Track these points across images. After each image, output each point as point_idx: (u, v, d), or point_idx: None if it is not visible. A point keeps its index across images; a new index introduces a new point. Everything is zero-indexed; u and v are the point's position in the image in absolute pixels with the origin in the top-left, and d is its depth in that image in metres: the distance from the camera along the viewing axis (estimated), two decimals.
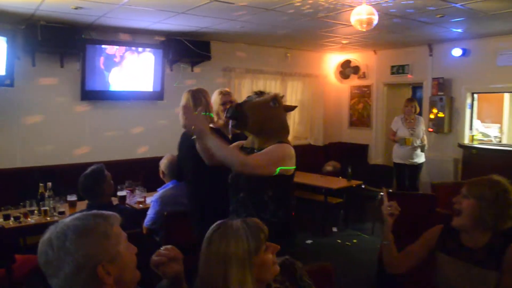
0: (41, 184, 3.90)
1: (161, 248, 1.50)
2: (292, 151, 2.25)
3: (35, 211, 3.74)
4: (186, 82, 5.76)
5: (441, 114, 6.04)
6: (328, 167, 6.81)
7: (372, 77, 7.01)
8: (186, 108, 2.18)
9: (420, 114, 6.62)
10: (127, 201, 4.16)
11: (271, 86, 6.58)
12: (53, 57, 4.75)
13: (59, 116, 4.85)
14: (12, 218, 3.61)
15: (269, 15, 4.31)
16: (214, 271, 1.35)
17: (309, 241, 5.16)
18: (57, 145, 4.82)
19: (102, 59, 4.95)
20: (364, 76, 7.05)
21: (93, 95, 5.01)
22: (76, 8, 3.99)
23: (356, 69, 7.02)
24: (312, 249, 4.94)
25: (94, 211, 1.32)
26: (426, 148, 5.65)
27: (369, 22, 3.56)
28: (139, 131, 5.43)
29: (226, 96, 3.48)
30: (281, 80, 6.74)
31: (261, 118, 2.23)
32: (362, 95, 7.15)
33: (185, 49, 5.44)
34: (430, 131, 6.21)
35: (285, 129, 2.34)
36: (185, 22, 4.70)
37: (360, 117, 7.22)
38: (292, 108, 2.49)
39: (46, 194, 3.84)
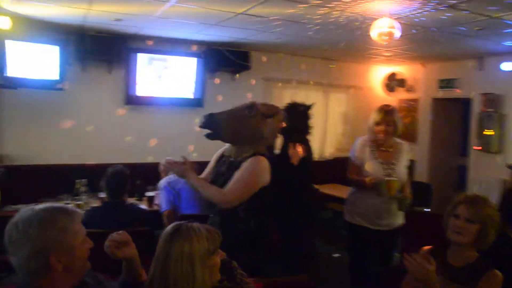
0: (77, 181, 4.27)
1: (114, 233, 1.67)
2: (266, 163, 2.33)
3: (71, 205, 4.09)
4: (226, 91, 5.96)
5: (489, 132, 5.70)
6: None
7: (420, 91, 6.77)
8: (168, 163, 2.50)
9: (467, 131, 6.35)
10: (156, 201, 4.40)
11: (313, 97, 6.56)
12: (102, 64, 5.15)
13: (104, 119, 5.24)
14: None
15: (298, 27, 4.38)
16: (180, 269, 1.45)
17: (336, 255, 5.11)
18: (101, 145, 5.19)
19: (145, 66, 5.28)
20: (411, 90, 6.84)
21: (136, 100, 5.36)
22: (116, 20, 4.33)
23: (401, 82, 6.83)
24: (338, 263, 4.89)
25: (62, 205, 1.54)
26: (408, 202, 3.14)
27: (390, 35, 3.51)
28: (178, 136, 5.68)
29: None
30: (324, 91, 6.73)
31: (235, 127, 2.32)
32: (409, 109, 6.93)
33: (225, 59, 5.65)
34: (477, 149, 5.89)
35: (261, 138, 2.40)
36: (220, 33, 4.90)
37: (406, 131, 6.97)
38: (271, 114, 2.47)
39: (81, 190, 4.20)
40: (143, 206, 4.35)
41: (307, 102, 6.43)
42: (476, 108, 5.99)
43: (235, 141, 2.42)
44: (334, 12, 3.75)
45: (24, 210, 1.45)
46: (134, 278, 1.70)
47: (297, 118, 4.26)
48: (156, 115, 5.57)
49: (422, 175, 6.70)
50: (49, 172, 4.77)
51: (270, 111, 2.46)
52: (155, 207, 4.31)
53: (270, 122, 2.44)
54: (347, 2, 3.42)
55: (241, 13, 3.92)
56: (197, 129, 5.61)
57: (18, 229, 1.37)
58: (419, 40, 4.88)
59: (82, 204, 4.04)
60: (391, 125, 3.18)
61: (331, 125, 6.92)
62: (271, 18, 4.06)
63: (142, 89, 5.35)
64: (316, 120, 6.53)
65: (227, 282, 1.69)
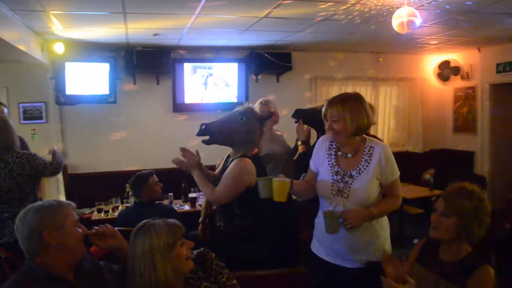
0: (127, 184, 4.65)
1: (99, 226, 1.88)
2: (250, 165, 2.46)
3: (120, 207, 4.49)
4: (271, 92, 6.09)
5: None
6: (427, 176, 6.40)
7: (477, 78, 6.37)
8: (184, 150, 2.69)
9: None
10: (199, 202, 4.65)
11: (361, 92, 6.44)
12: (150, 76, 5.55)
13: (154, 127, 5.64)
14: (103, 212, 4.44)
15: (325, 24, 4.40)
16: (143, 263, 1.61)
17: None
18: (152, 152, 5.57)
19: (189, 75, 5.59)
20: (468, 77, 6.45)
21: (183, 108, 5.69)
22: (155, 35, 4.66)
23: (456, 70, 6.46)
24: None
25: (56, 199, 1.83)
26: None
27: (410, 24, 3.43)
28: None
29: (264, 106, 3.75)
30: (373, 85, 6.60)
31: (227, 132, 2.48)
32: (466, 98, 6.54)
33: (267, 62, 5.79)
34: None
35: (252, 141, 2.53)
36: (257, 37, 5.05)
37: (465, 121, 6.60)
38: (266, 116, 2.67)
39: (130, 193, 4.58)
40: (187, 206, 4.65)
41: None
42: None
43: (231, 144, 2.59)
44: (355, 7, 3.75)
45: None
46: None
47: None
48: (203, 121, 5.83)
49: (483, 167, 6.31)
50: (104, 179, 5.25)
51: (264, 114, 2.63)
52: (198, 208, 4.57)
53: (265, 124, 2.65)
54: None
55: (264, 17, 4.05)
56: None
57: (20, 218, 1.68)
58: (465, 24, 4.62)
59: (130, 206, 4.40)
60: (337, 120, 2.15)
61: (383, 120, 6.76)
62: (295, 19, 4.14)
63: (188, 96, 5.67)
64: None
65: (201, 273, 1.79)
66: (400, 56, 6.68)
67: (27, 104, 5.14)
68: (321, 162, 2.32)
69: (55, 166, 3.36)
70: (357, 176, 2.18)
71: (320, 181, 2.29)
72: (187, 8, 3.65)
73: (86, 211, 4.84)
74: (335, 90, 6.41)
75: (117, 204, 4.49)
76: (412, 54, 6.72)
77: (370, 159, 2.19)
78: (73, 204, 1.82)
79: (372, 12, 3.93)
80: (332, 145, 2.31)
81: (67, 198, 5.14)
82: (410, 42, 5.67)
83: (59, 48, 4.65)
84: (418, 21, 3.46)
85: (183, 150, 2.72)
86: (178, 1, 3.45)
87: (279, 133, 3.90)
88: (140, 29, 4.38)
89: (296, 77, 6.21)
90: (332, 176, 2.23)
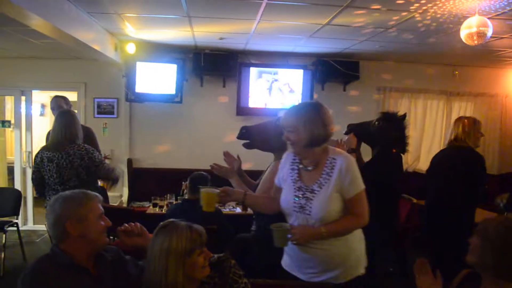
0: (183, 182, 4.81)
1: (128, 223, 1.93)
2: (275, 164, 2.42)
3: (173, 203, 4.65)
4: (337, 101, 5.96)
5: None
6: (499, 200, 5.89)
7: None
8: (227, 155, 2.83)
9: None
10: None
11: (434, 106, 6.17)
12: (217, 79, 5.70)
13: (217, 129, 5.75)
14: (157, 207, 4.62)
15: (390, 33, 4.23)
16: (157, 262, 1.62)
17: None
18: (212, 152, 5.67)
19: (254, 79, 5.65)
20: None
21: (247, 111, 5.73)
22: (221, 39, 4.77)
23: None
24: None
25: (85, 190, 1.91)
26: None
27: (480, 35, 3.19)
28: None
29: None
30: (446, 100, 6.21)
31: (265, 137, 2.47)
32: None
33: (333, 70, 5.68)
34: None
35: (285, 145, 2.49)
36: (323, 44, 4.99)
37: None
38: None
39: (185, 191, 4.72)
40: (238, 209, 4.70)
41: (425, 112, 6.11)
42: None
43: (266, 149, 2.57)
44: (417, 15, 3.57)
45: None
46: None
47: (393, 128, 4.00)
48: None
49: None
50: (164, 174, 5.45)
51: None
52: (249, 211, 4.60)
53: None
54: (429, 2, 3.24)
55: (327, 24, 3.98)
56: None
57: (50, 206, 1.79)
58: None
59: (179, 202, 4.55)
60: (292, 131, 2.05)
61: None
62: (359, 27, 4.03)
63: (252, 101, 5.72)
64: (438, 131, 6.12)
65: (218, 279, 1.76)
66: (478, 70, 6.22)
67: (101, 100, 5.52)
68: (284, 178, 2.19)
69: (106, 171, 3.52)
70: (318, 191, 2.04)
71: (283, 198, 2.16)
72: (249, 13, 3.70)
73: (146, 204, 5.05)
74: (404, 102, 6.14)
75: (171, 200, 4.65)
76: (494, 68, 6.23)
77: (331, 172, 2.04)
78: (100, 197, 1.85)
79: (441, 21, 3.71)
80: (295, 159, 2.18)
81: (130, 190, 5.42)
82: (490, 55, 5.27)
83: (131, 48, 4.93)
84: (489, 31, 3.21)
85: (227, 154, 2.81)
86: (239, 7, 3.51)
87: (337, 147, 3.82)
88: (206, 32, 4.50)
89: (363, 87, 6.03)
90: (294, 192, 2.10)
